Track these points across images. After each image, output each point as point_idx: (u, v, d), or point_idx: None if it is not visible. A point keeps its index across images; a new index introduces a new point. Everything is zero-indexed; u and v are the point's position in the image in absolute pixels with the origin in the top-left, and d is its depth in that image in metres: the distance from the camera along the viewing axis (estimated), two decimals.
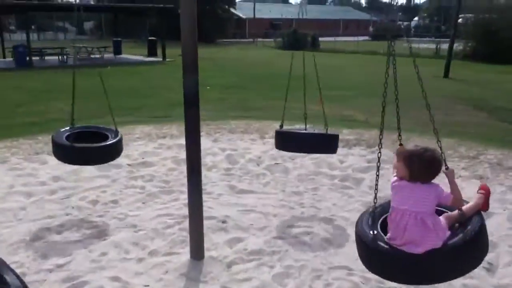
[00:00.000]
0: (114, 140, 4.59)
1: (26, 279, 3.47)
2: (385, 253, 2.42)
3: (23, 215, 4.63)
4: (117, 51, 26.90)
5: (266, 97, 11.99)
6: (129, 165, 6.17)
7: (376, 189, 2.69)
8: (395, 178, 2.54)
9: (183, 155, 6.59)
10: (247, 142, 7.38)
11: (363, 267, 3.61)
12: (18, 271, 3.59)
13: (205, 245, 3.90)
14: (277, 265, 3.72)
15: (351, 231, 4.28)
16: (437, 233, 2.37)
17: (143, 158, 6.50)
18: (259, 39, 48.67)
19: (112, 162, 6.24)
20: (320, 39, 38.75)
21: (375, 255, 2.49)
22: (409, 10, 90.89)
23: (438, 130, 2.64)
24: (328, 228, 4.39)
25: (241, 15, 59.65)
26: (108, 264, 3.73)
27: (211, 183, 5.55)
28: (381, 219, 2.63)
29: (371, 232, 2.52)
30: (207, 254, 3.86)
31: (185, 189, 5.28)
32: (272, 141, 7.38)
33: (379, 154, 2.74)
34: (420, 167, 2.40)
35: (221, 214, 4.69)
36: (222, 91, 13.05)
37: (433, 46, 29.99)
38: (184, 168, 6.08)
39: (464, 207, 2.52)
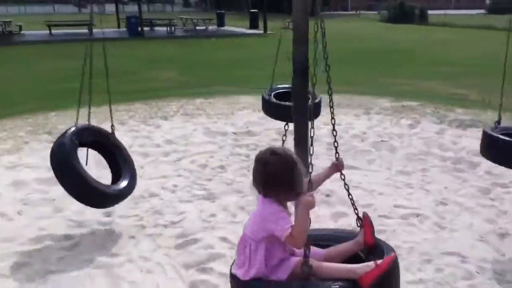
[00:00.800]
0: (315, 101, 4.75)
1: (146, 232, 3.79)
2: None
3: (141, 173, 5.01)
4: (221, 23, 27.58)
5: (369, 73, 11.60)
6: (234, 133, 6.37)
7: None
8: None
9: (287, 125, 6.70)
10: (351, 117, 7.22)
11: (478, 255, 3.44)
12: (137, 223, 3.94)
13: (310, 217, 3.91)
14: None
15: (465, 217, 4.06)
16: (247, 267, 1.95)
17: (247, 128, 6.67)
18: (362, 12, 46.84)
19: (218, 130, 6.52)
20: (429, 12, 36.28)
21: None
22: None
23: None
24: (439, 212, 4.18)
25: None
26: (217, 225, 3.92)
27: (313, 156, 5.51)
28: None
29: None
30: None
31: None
32: (378, 117, 7.18)
33: None
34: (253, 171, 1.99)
35: (324, 187, 4.66)
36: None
37: None
38: (287, 139, 6.19)
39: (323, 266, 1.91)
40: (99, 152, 4.08)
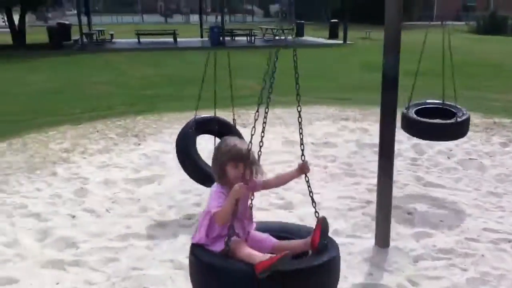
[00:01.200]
0: (463, 118, 4.76)
1: None
2: None
3: None
4: (300, 33, 27.64)
5: (458, 86, 10.98)
6: (313, 143, 6.33)
7: None
8: None
9: (366, 138, 6.56)
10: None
11: None
12: None
13: (390, 234, 3.78)
14: (471, 269, 3.41)
15: None
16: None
17: (326, 139, 6.60)
18: (449, 22, 44.73)
19: (296, 140, 6.50)
20: None
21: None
22: None
23: None
24: None
25: None
26: None
27: (396, 171, 5.29)
28: None
29: None
30: (392, 243, 3.74)
31: (367, 173, 5.26)
32: (467, 134, 6.79)
33: None
34: None
35: (407, 205, 4.49)
36: (405, 78, 12.40)
37: None
38: (366, 152, 6.05)
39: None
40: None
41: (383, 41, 3.47)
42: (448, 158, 5.79)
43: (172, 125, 7.05)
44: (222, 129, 4.51)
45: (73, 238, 3.79)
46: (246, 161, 2.23)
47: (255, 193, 2.48)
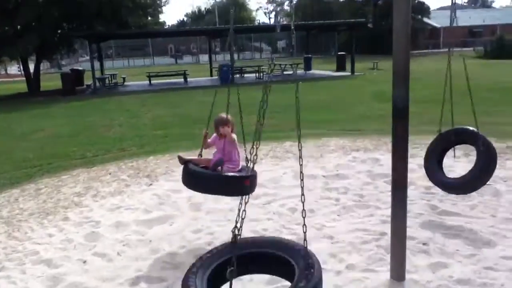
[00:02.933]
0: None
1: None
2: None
3: (232, 216, 5.09)
4: (308, 66, 28.01)
5: (467, 112, 10.93)
6: (324, 176, 6.29)
7: None
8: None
9: (377, 169, 6.50)
10: (450, 159, 6.79)
11: None
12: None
13: (406, 267, 3.69)
14: None
15: None
16: None
17: (337, 170, 6.55)
18: (456, 49, 44.92)
19: (308, 173, 6.48)
20: None
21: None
22: None
23: None
24: None
25: (435, 24, 56.10)
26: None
27: (409, 200, 5.20)
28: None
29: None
30: (408, 276, 3.64)
31: (381, 204, 5.18)
32: None
33: None
34: None
35: (422, 235, 4.39)
36: (416, 105, 12.38)
37: None
38: (379, 183, 5.99)
39: None
40: None
41: (392, 71, 3.50)
42: None
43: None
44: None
45: (83, 284, 3.77)
46: (220, 125, 4.24)
47: None
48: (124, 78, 25.56)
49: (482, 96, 13.47)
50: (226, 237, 4.54)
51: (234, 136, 4.23)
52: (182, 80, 24.80)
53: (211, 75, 27.68)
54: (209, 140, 4.29)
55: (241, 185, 3.65)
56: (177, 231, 4.74)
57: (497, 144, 7.44)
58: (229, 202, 5.46)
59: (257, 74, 25.39)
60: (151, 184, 6.35)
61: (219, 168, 4.04)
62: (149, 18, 28.02)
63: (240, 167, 4.24)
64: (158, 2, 28.23)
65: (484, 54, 33.91)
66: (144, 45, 53.12)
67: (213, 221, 4.99)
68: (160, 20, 33.33)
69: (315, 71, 27.62)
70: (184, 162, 4.16)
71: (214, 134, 4.30)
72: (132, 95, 20.06)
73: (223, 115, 4.25)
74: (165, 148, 8.62)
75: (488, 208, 4.99)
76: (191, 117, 12.09)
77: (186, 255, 4.21)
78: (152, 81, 24.58)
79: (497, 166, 6.32)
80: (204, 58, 34.63)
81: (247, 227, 4.74)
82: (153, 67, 39.17)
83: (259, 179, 6.23)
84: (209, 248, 4.27)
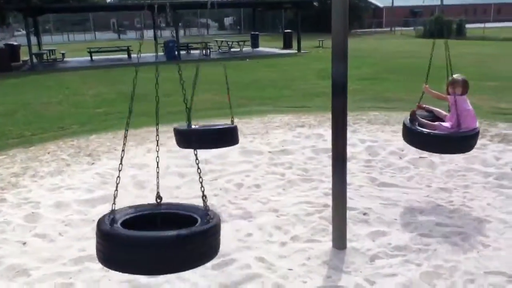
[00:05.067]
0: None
1: None
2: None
3: (177, 193, 5.09)
4: (255, 44, 27.91)
5: (406, 89, 11.39)
6: (270, 152, 6.37)
7: None
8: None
9: (321, 144, 6.67)
10: (388, 133, 7.09)
11: None
12: None
13: (347, 236, 3.85)
14: (424, 264, 3.51)
15: (510, 235, 3.88)
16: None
17: (282, 146, 6.66)
18: (397, 28, 46.37)
19: (254, 149, 6.54)
20: (468, 26, 35.51)
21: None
22: None
23: None
24: (482, 230, 4.01)
25: (378, 3, 57.47)
26: (253, 245, 3.90)
27: (350, 174, 5.42)
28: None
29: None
30: (349, 244, 3.81)
31: (324, 178, 5.34)
32: None
33: None
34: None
35: (362, 205, 4.59)
36: (359, 82, 12.74)
37: None
38: (322, 157, 6.15)
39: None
40: None
41: (331, 48, 3.56)
42: (400, 158, 5.97)
43: (128, 142, 6.91)
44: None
45: (23, 265, 3.64)
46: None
47: None
48: (63, 54, 24.34)
49: (422, 74, 14.07)
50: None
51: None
52: (126, 56, 24.00)
53: (156, 51, 26.97)
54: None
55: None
56: None
57: None
58: (174, 180, 5.43)
59: (203, 51, 25.01)
60: (93, 163, 6.17)
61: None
62: None
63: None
64: None
65: (423, 34, 35.24)
66: (85, 20, 50.75)
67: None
68: None
69: (262, 48, 27.60)
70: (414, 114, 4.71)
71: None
72: (72, 71, 19.20)
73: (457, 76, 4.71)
74: (107, 126, 8.37)
75: (423, 179, 5.27)
76: (135, 94, 11.77)
77: None
78: (93, 57, 23.61)
79: None
80: (149, 33, 33.60)
81: (193, 203, 4.75)
82: (95, 43, 37.56)
83: (205, 156, 6.25)
84: None
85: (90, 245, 3.92)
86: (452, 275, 3.34)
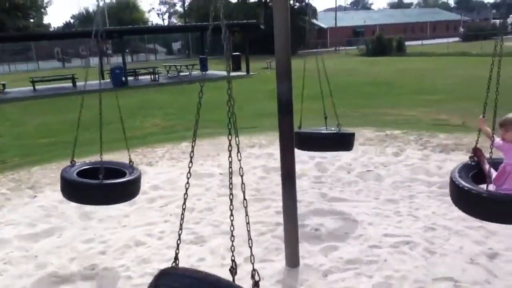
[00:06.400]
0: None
1: (132, 282, 3.67)
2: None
3: (126, 222, 4.93)
4: (204, 67, 27.98)
5: (351, 105, 11.74)
6: (221, 174, 6.33)
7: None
8: (501, 141, 3.10)
9: (272, 163, 6.70)
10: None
11: (470, 278, 3.37)
12: (123, 274, 3.81)
13: (300, 253, 3.85)
14: (375, 275, 3.57)
15: (454, 241, 4.02)
16: None
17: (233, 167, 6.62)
18: (342, 48, 48.03)
19: (205, 172, 6.47)
20: (407, 43, 37.32)
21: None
22: (503, 6, 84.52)
23: None
24: (429, 238, 4.13)
25: (322, 25, 59.39)
26: (206, 270, 3.81)
27: (301, 190, 5.49)
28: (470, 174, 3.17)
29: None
30: (302, 261, 3.81)
31: (276, 197, 5.34)
32: (363, 148, 7.23)
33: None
34: None
35: (313, 222, 4.62)
36: (305, 100, 12.99)
37: None
38: (274, 176, 6.17)
39: None
40: None
41: (275, 69, 3.62)
42: (348, 172, 6.10)
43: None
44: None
45: None
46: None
47: None
48: (4, 85, 23.34)
49: (366, 91, 14.58)
50: (121, 243, 4.37)
51: None
52: (71, 84, 23.35)
53: (103, 78, 26.44)
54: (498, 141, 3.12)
55: None
56: (66, 243, 4.45)
57: (377, 133, 8.10)
58: (122, 209, 5.26)
59: (152, 76, 24.79)
60: (35, 196, 5.88)
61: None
62: (31, 19, 25.97)
63: None
64: (40, 3, 26.24)
65: (366, 52, 36.66)
66: (27, 49, 49.06)
67: (106, 229, 4.77)
68: (44, 22, 31.08)
69: (211, 71, 27.71)
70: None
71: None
72: (14, 102, 18.43)
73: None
74: (52, 156, 8.04)
75: (371, 192, 5.40)
76: (81, 123, 11.43)
77: (77, 266, 3.97)
78: (36, 87, 22.81)
79: (378, 152, 6.92)
80: (95, 61, 32.93)
81: (142, 231, 4.63)
82: (38, 72, 36.34)
83: (155, 182, 6.12)
84: (104, 257, 4.09)
85: (32, 282, 3.72)
86: (402, 285, 3.41)
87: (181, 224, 2.23)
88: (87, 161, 4.41)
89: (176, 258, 2.11)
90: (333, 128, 5.41)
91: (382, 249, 3.97)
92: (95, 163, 4.19)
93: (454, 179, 3.07)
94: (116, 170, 4.07)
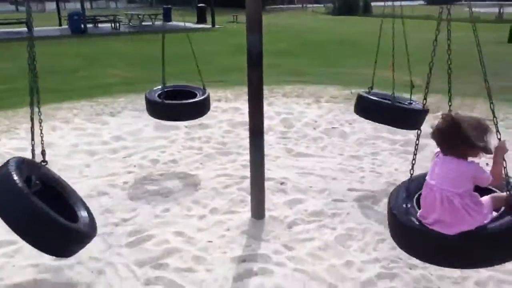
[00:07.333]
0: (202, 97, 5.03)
1: None
2: (414, 230, 2.21)
3: (88, 172, 4.80)
4: (167, 18, 27.01)
5: (318, 63, 11.73)
6: (186, 126, 6.23)
7: (414, 159, 2.53)
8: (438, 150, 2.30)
9: (238, 118, 6.65)
10: (302, 106, 7.25)
11: None
12: None
13: (266, 205, 3.89)
14: (338, 227, 3.66)
15: None
16: (469, 215, 2.09)
17: (199, 120, 6.53)
18: (309, 5, 47.43)
19: (170, 124, 6.35)
20: (373, 3, 37.24)
21: (404, 231, 2.29)
22: None
23: (493, 96, 2.40)
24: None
25: None
26: (171, 220, 3.80)
27: (268, 145, 5.46)
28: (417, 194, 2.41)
29: (405, 205, 2.34)
30: (267, 213, 3.85)
31: (242, 150, 5.34)
32: (328, 105, 7.27)
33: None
34: (458, 136, 2.13)
35: (279, 176, 4.66)
36: (273, 57, 12.86)
37: (494, 10, 28.11)
38: (240, 130, 6.14)
39: None
40: None
41: (246, 18, 3.49)
42: (314, 129, 6.14)
43: (29, 120, 6.37)
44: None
45: None
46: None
47: None
48: None
49: (332, 49, 14.55)
50: (83, 193, 4.25)
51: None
52: (26, 29, 22.07)
53: (60, 25, 25.12)
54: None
55: None
56: None
57: (342, 91, 8.16)
58: (82, 158, 5.12)
59: (112, 24, 23.74)
60: None
61: None
62: None
63: None
64: None
65: (333, 11, 36.38)
66: None
67: (67, 178, 4.62)
68: None
69: (175, 22, 26.81)
70: None
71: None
72: None
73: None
74: (7, 104, 7.64)
75: (336, 148, 5.47)
76: (38, 69, 10.89)
77: None
78: None
79: (344, 110, 6.98)
80: (51, 6, 31.13)
81: (105, 181, 4.53)
82: None
83: (117, 132, 5.96)
84: None
85: None
86: (364, 236, 3.52)
87: None
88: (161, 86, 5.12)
89: None
90: (404, 101, 4.88)
91: (346, 203, 4.07)
92: (173, 86, 5.44)
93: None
94: (187, 92, 5.22)
